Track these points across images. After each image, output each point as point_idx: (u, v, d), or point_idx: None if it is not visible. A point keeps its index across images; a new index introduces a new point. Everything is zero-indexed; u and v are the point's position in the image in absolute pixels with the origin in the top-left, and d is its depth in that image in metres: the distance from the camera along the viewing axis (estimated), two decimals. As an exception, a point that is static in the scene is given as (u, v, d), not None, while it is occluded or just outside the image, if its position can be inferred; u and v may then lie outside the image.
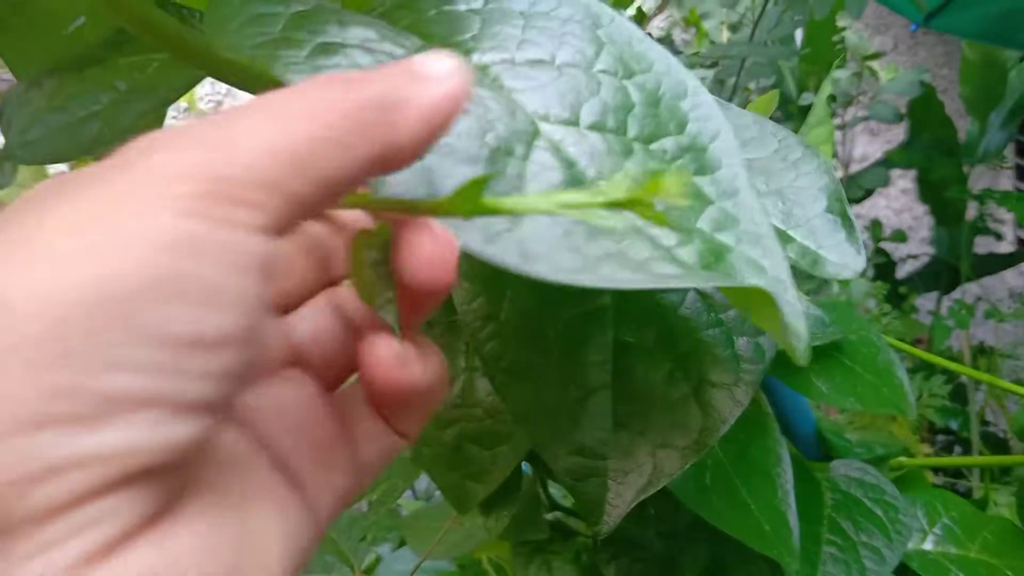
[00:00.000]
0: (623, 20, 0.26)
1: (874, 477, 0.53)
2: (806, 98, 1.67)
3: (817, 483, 0.53)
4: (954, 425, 1.23)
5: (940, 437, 1.44)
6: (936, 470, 1.14)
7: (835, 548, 0.48)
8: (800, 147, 0.30)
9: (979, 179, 1.73)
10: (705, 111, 0.24)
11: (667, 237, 0.20)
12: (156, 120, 0.36)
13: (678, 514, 0.44)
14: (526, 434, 0.31)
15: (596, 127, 0.23)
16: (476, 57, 0.24)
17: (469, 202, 0.18)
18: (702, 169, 0.22)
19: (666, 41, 1.55)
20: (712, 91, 1.14)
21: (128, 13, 0.27)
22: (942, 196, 1.64)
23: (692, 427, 0.31)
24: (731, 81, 1.26)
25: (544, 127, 0.22)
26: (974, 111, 1.72)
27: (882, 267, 1.74)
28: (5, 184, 0.32)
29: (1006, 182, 2.28)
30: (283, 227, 0.17)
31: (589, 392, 0.32)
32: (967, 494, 1.24)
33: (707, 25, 1.50)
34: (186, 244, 0.15)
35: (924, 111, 1.70)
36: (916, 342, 1.58)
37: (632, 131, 0.23)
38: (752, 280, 0.20)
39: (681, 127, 0.23)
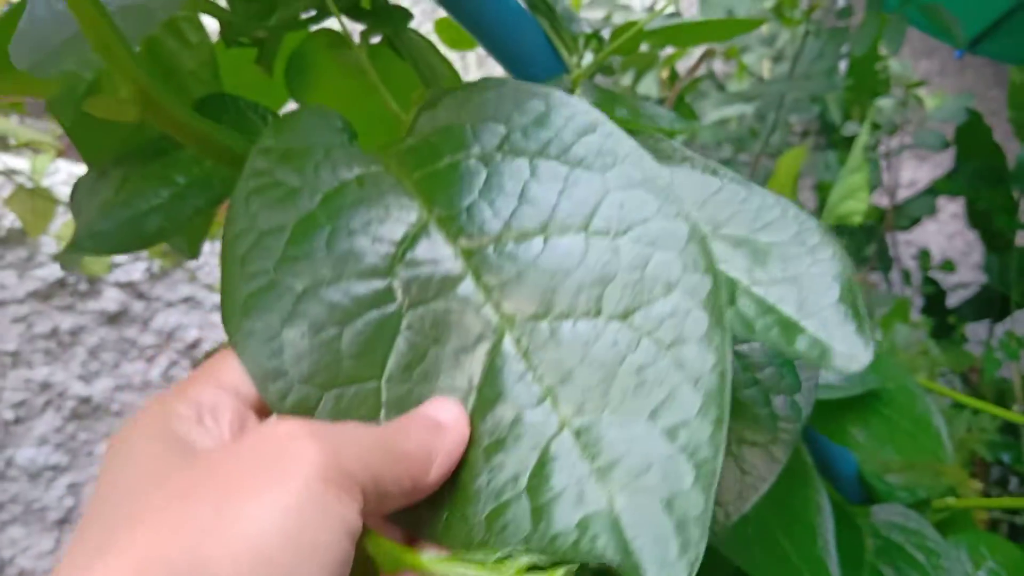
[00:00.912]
0: (638, 155, 0.26)
1: (916, 522, 0.53)
2: (850, 127, 1.67)
3: (858, 529, 0.53)
4: (1006, 459, 1.21)
5: (996, 468, 1.42)
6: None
7: (877, 595, 0.49)
8: (818, 232, 0.31)
9: (1030, 205, 1.70)
10: (701, 262, 0.24)
11: (602, 452, 0.22)
12: (211, 215, 0.38)
13: (722, 565, 0.45)
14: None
15: (565, 315, 0.24)
16: (464, 241, 0.26)
17: (394, 563, 0.23)
18: (680, 338, 0.23)
19: (709, 76, 1.57)
20: (753, 126, 1.15)
21: (166, 118, 0.30)
22: (991, 224, 1.62)
23: (731, 486, 0.32)
24: (772, 116, 1.27)
25: (510, 328, 0.24)
26: (1023, 136, 1.70)
27: (932, 297, 1.72)
28: (71, 267, 0.35)
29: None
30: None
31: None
32: (1023, 529, 1.22)
33: (747, 59, 1.51)
34: (325, 516, 0.20)
35: (971, 138, 1.68)
36: (969, 372, 1.56)
37: (607, 308, 0.24)
38: (646, 530, 0.21)
39: (669, 287, 0.24)
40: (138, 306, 1.29)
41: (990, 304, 1.71)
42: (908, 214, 1.70)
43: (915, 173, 2.32)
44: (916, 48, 2.41)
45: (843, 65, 1.57)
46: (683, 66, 1.43)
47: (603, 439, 0.22)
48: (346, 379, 0.24)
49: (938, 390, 0.65)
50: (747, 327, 0.28)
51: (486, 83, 0.30)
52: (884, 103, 1.68)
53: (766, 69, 1.54)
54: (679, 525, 0.20)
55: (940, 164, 2.29)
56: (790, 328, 0.29)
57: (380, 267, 0.25)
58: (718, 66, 1.77)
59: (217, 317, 1.44)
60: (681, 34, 0.51)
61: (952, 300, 1.80)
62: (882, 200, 1.83)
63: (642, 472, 0.21)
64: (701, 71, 1.63)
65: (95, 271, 0.91)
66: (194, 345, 1.34)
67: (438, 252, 0.25)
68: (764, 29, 1.45)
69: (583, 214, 0.25)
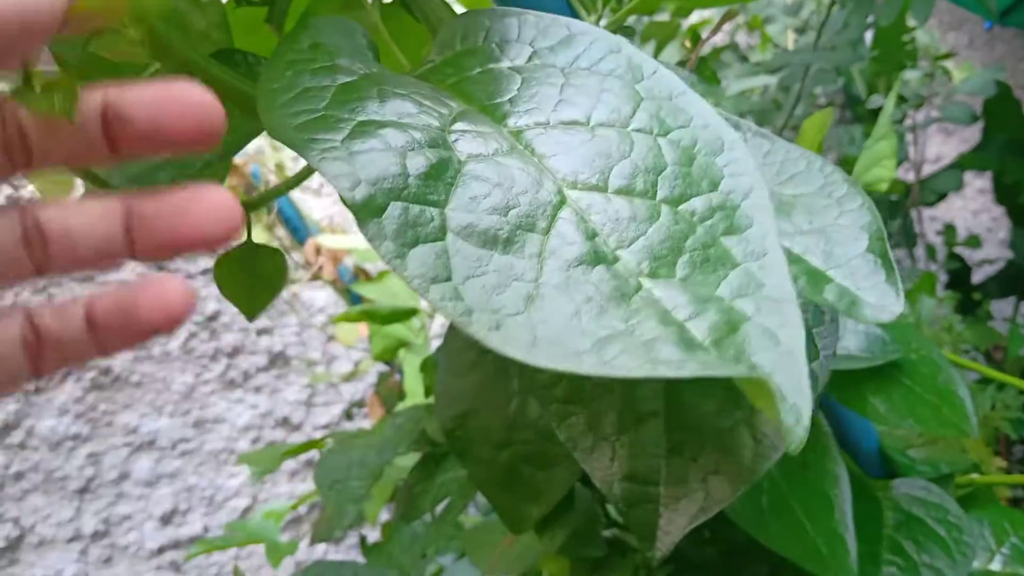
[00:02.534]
0: (664, 72, 0.26)
1: (937, 496, 0.52)
2: (875, 100, 1.64)
3: (878, 502, 0.52)
4: (1031, 437, 1.20)
5: (1019, 446, 1.40)
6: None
7: (896, 568, 0.48)
8: (845, 184, 0.30)
9: (1059, 180, 1.67)
10: (740, 166, 0.24)
11: (683, 308, 0.21)
12: (223, 167, 0.38)
13: (736, 533, 0.44)
14: (579, 461, 0.32)
15: (624, 191, 0.23)
16: (512, 121, 0.25)
17: None
18: (732, 228, 0.23)
19: (731, 47, 1.54)
20: (776, 97, 1.13)
21: (184, 66, 0.29)
22: (1018, 199, 1.59)
23: (744, 455, 0.32)
24: (796, 87, 1.24)
25: (571, 194, 0.23)
26: (1053, 109, 1.66)
27: (956, 273, 1.69)
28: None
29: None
30: None
31: (641, 419, 0.32)
32: (1047, 507, 1.20)
33: (772, 29, 1.49)
34: None
35: (999, 111, 1.65)
36: (993, 350, 1.54)
37: (661, 192, 0.23)
38: (761, 355, 0.20)
39: (714, 184, 0.24)
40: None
41: (1016, 281, 1.68)
42: (934, 189, 1.68)
43: (942, 148, 2.28)
44: (944, 20, 2.37)
45: (869, 36, 1.54)
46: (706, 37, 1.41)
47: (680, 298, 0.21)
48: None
49: (963, 363, 0.64)
50: None
51: (504, 11, 0.29)
52: (911, 75, 1.65)
53: (790, 40, 1.52)
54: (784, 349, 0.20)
55: (968, 139, 2.25)
56: (817, 278, 0.28)
57: (434, 125, 0.24)
58: (742, 38, 1.75)
59: (235, 289, 1.44)
60: (702, -6, 0.49)
61: (977, 276, 1.77)
62: (908, 175, 1.80)
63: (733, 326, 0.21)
64: (723, 36, 1.60)
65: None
66: (213, 317, 1.34)
67: (486, 129, 0.25)
68: (789, -2, 1.43)
69: (622, 116, 0.25)
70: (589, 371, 0.19)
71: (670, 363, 0.19)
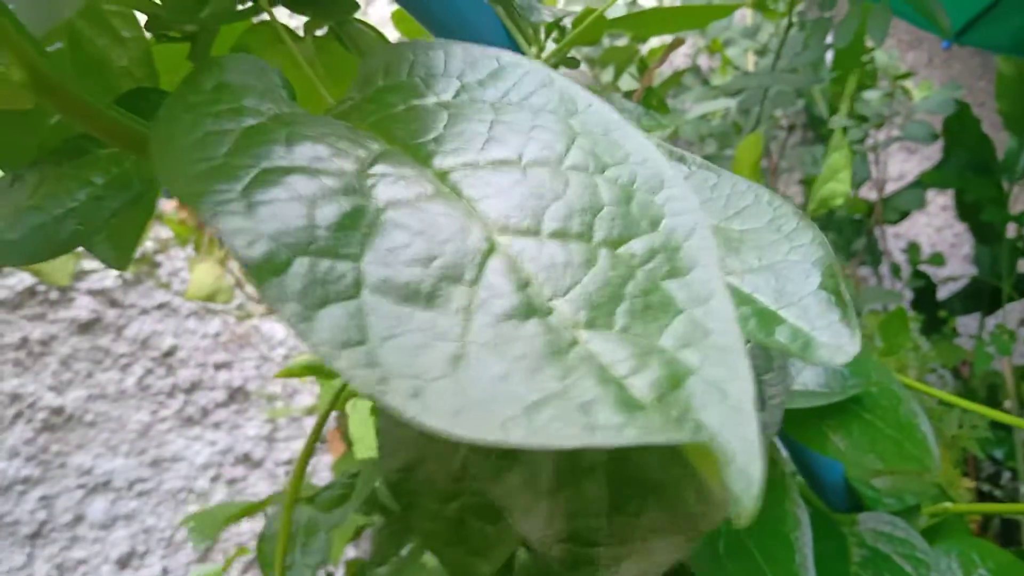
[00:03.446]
0: (599, 105, 0.25)
1: (903, 531, 0.51)
2: (837, 121, 1.65)
3: (843, 538, 0.51)
4: (999, 455, 1.19)
5: (987, 464, 1.40)
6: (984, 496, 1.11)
7: (862, 609, 0.46)
8: (795, 217, 0.29)
9: (1021, 196, 1.69)
10: (681, 204, 0.22)
11: (622, 363, 0.19)
12: (142, 216, 0.36)
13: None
14: (514, 524, 0.30)
15: (558, 234, 0.22)
16: (437, 162, 0.23)
17: None
18: (674, 271, 0.21)
19: (693, 70, 1.54)
20: (738, 120, 1.12)
21: (69, 105, 0.26)
22: (980, 216, 1.60)
23: (691, 511, 0.30)
24: (755, 110, 1.24)
25: (501, 240, 0.21)
26: (1012, 126, 1.68)
27: (921, 291, 1.70)
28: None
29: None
30: None
31: (582, 474, 0.31)
32: (1018, 526, 1.20)
33: (731, 52, 1.49)
34: None
35: (958, 129, 1.66)
36: (961, 366, 1.54)
37: (599, 235, 0.22)
38: (707, 412, 0.18)
39: (655, 224, 0.22)
40: (111, 314, 1.26)
41: (980, 297, 1.69)
42: (897, 207, 1.69)
43: (904, 166, 2.30)
44: (903, 40, 2.40)
45: (829, 57, 1.55)
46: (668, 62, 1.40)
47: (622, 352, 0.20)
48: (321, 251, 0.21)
49: (926, 390, 0.63)
50: None
51: (429, 44, 0.28)
52: (871, 95, 1.66)
53: (751, 62, 1.52)
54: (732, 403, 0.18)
55: (929, 157, 2.27)
56: (768, 319, 0.27)
57: (349, 169, 0.22)
58: (704, 61, 1.75)
59: (193, 324, 1.42)
60: (648, 21, 0.48)
61: (942, 293, 1.78)
62: (871, 194, 1.81)
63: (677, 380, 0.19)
64: (684, 60, 1.60)
65: (57, 280, 0.88)
66: (169, 353, 1.31)
67: (408, 172, 0.23)
68: (749, 20, 1.43)
69: (556, 153, 0.24)
70: (518, 443, 0.17)
71: (608, 429, 0.17)
